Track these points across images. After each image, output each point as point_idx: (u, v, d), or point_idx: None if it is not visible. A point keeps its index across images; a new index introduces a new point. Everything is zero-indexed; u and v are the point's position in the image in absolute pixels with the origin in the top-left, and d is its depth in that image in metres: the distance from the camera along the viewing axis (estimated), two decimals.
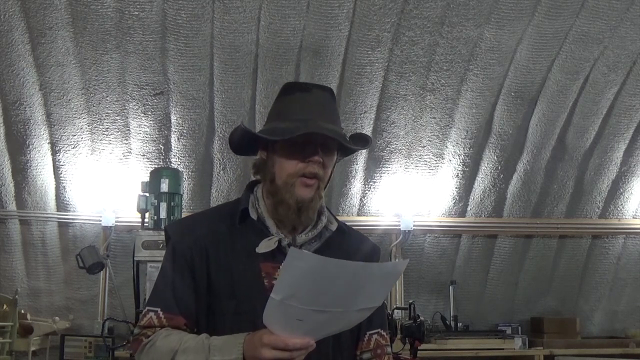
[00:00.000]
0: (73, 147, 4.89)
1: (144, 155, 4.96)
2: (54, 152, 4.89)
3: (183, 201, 4.46)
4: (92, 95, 4.72)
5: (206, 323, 1.71)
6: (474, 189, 5.35)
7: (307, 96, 1.75)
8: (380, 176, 5.22)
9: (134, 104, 4.77)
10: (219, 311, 1.70)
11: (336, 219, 1.83)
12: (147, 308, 1.72)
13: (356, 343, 1.82)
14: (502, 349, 5.12)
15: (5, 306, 4.48)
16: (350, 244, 1.83)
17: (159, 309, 1.69)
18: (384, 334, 1.86)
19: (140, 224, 4.35)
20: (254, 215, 1.75)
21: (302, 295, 1.42)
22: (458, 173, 5.27)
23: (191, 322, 1.70)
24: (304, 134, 1.67)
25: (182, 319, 1.69)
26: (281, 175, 1.71)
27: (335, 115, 1.79)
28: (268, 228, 1.74)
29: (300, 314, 1.44)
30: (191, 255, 1.72)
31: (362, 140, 1.83)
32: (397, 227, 5.35)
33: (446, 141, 5.13)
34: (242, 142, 1.81)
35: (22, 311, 4.71)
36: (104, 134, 4.87)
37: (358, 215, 5.33)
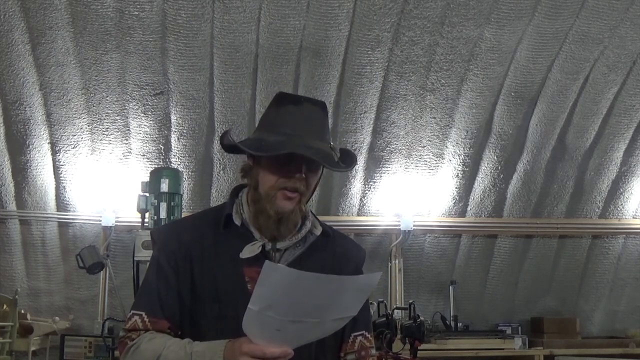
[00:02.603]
0: (73, 147, 4.88)
1: (144, 155, 4.96)
2: (54, 152, 4.89)
3: (183, 201, 4.46)
4: (92, 95, 4.71)
5: (190, 327, 1.74)
6: (474, 189, 5.35)
7: (298, 110, 1.76)
8: (380, 176, 5.22)
9: (134, 104, 4.77)
10: (203, 315, 1.73)
11: (321, 223, 1.85)
12: (132, 312, 1.75)
13: (340, 345, 1.85)
14: (502, 349, 5.12)
15: (5, 306, 4.48)
16: (335, 247, 1.86)
17: (143, 313, 1.73)
18: (368, 335, 1.89)
19: (140, 224, 4.35)
20: (237, 221, 1.78)
21: (278, 307, 1.46)
22: (458, 173, 5.27)
23: (175, 326, 1.74)
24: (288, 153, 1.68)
25: (166, 323, 1.72)
26: (264, 186, 1.74)
27: (324, 131, 1.79)
28: (252, 233, 1.76)
29: (278, 325, 1.48)
30: (175, 260, 1.75)
31: (347, 159, 1.83)
32: (397, 227, 5.34)
33: (446, 141, 5.13)
34: (232, 145, 1.83)
35: (22, 311, 4.71)
36: (104, 134, 4.87)
37: (358, 215, 5.33)
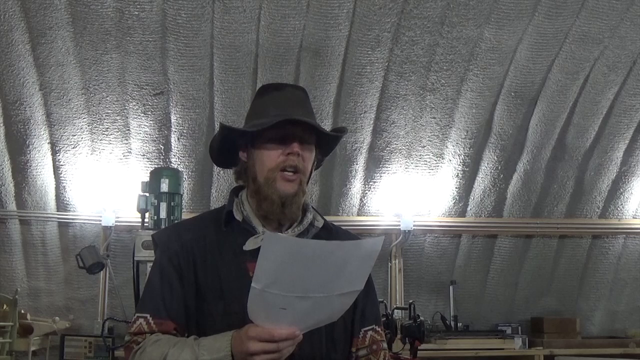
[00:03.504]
0: (73, 147, 4.88)
1: (144, 155, 4.96)
2: (54, 152, 4.89)
3: (183, 201, 4.46)
4: (92, 95, 4.71)
5: (196, 326, 1.73)
6: (474, 189, 5.35)
7: (281, 94, 1.82)
8: (380, 176, 5.22)
9: (134, 104, 4.77)
10: (208, 313, 1.72)
11: (322, 217, 1.86)
12: (136, 315, 1.75)
13: (351, 340, 1.84)
14: (502, 349, 5.12)
15: (5, 306, 4.48)
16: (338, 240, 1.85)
17: (148, 315, 1.72)
18: (379, 329, 1.89)
19: (140, 224, 4.35)
20: (238, 217, 1.79)
21: (282, 281, 1.44)
22: (458, 173, 5.27)
23: (181, 326, 1.73)
24: (281, 122, 1.71)
25: (171, 324, 1.71)
26: (262, 172, 1.75)
27: (310, 111, 1.84)
28: (254, 227, 1.77)
29: (283, 302, 1.46)
30: (178, 261, 1.75)
31: (336, 129, 1.89)
32: (397, 227, 5.34)
33: (446, 141, 5.13)
34: (223, 149, 1.86)
35: (22, 311, 4.71)
36: (104, 134, 4.87)
37: (358, 215, 5.33)
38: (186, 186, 4.94)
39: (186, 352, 1.59)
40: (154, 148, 4.95)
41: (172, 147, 4.94)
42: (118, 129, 4.86)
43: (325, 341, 1.73)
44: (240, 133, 1.80)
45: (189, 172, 5.00)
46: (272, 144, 1.74)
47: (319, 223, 1.83)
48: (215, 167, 5.02)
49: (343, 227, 1.98)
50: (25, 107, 4.70)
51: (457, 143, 5.14)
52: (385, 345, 1.89)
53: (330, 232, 1.85)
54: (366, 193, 5.28)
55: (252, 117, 1.83)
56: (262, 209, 1.76)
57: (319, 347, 1.72)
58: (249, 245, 1.72)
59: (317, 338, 1.65)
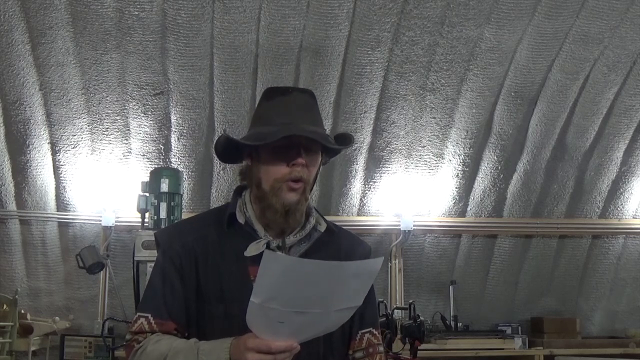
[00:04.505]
0: (73, 147, 4.89)
1: (144, 155, 4.96)
2: (54, 152, 4.89)
3: (183, 201, 4.46)
4: (92, 95, 4.72)
5: (197, 327, 1.74)
6: (474, 189, 5.35)
7: (287, 99, 1.78)
8: (380, 176, 5.22)
9: (134, 104, 4.77)
10: (209, 315, 1.73)
11: (325, 220, 1.85)
12: (137, 314, 1.76)
13: (348, 342, 1.85)
14: (502, 349, 5.12)
15: (5, 306, 4.48)
16: (340, 244, 1.86)
17: (149, 315, 1.73)
18: (376, 332, 1.90)
19: (140, 224, 4.35)
20: (241, 220, 1.78)
21: (281, 298, 1.45)
22: (458, 173, 5.27)
23: (181, 327, 1.74)
24: (286, 137, 1.69)
25: (172, 324, 1.72)
26: (267, 181, 1.74)
27: (316, 117, 1.81)
28: (256, 231, 1.77)
29: (281, 317, 1.47)
30: (180, 261, 1.75)
31: (344, 139, 1.84)
32: (397, 227, 5.34)
33: (446, 141, 5.13)
34: (227, 150, 1.84)
35: (22, 311, 4.71)
36: (104, 134, 4.87)
37: (358, 215, 5.33)
38: (186, 186, 4.94)
39: (186, 355, 1.61)
40: (154, 148, 4.95)
41: (172, 147, 4.94)
42: (118, 129, 4.86)
43: (322, 343, 1.74)
44: (245, 145, 1.78)
45: (189, 172, 5.00)
46: (277, 155, 1.72)
47: (322, 227, 1.82)
48: (215, 167, 5.03)
49: (345, 228, 1.97)
50: (25, 107, 4.70)
51: (457, 143, 5.14)
52: (381, 348, 1.90)
53: (332, 235, 1.85)
54: (366, 193, 5.28)
55: (256, 123, 1.81)
56: (266, 217, 1.75)
57: (316, 350, 1.73)
58: (250, 251, 1.72)
59: (315, 341, 1.66)
